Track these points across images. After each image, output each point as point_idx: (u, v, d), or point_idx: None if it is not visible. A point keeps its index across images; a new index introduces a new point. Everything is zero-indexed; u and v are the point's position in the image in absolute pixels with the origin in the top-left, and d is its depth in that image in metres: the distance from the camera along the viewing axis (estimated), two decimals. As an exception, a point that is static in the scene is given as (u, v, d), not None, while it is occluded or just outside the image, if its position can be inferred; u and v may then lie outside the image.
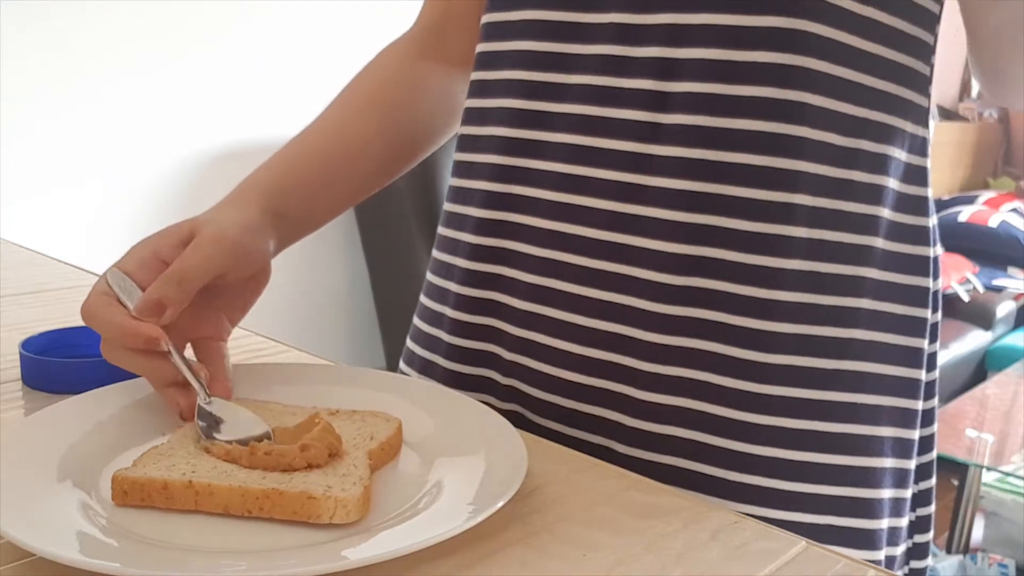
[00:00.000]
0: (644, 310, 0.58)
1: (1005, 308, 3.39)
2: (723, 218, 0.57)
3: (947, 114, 4.29)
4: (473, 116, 0.67)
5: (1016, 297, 3.49)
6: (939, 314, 0.66)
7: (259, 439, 0.51)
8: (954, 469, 2.24)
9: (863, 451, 0.60)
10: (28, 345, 0.63)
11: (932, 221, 0.64)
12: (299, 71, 2.18)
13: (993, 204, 4.05)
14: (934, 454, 0.67)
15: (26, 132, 1.80)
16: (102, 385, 0.56)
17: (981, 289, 3.42)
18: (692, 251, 0.57)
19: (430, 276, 0.72)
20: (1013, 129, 4.62)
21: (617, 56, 0.59)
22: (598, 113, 0.59)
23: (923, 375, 0.64)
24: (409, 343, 0.74)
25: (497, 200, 0.64)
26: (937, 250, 0.65)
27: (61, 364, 0.61)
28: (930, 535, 0.68)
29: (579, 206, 0.60)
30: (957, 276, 3.34)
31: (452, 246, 0.68)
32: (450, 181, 0.70)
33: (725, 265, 0.57)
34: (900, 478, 0.63)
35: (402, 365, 0.75)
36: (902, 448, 0.63)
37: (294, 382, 0.60)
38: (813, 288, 0.58)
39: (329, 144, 0.70)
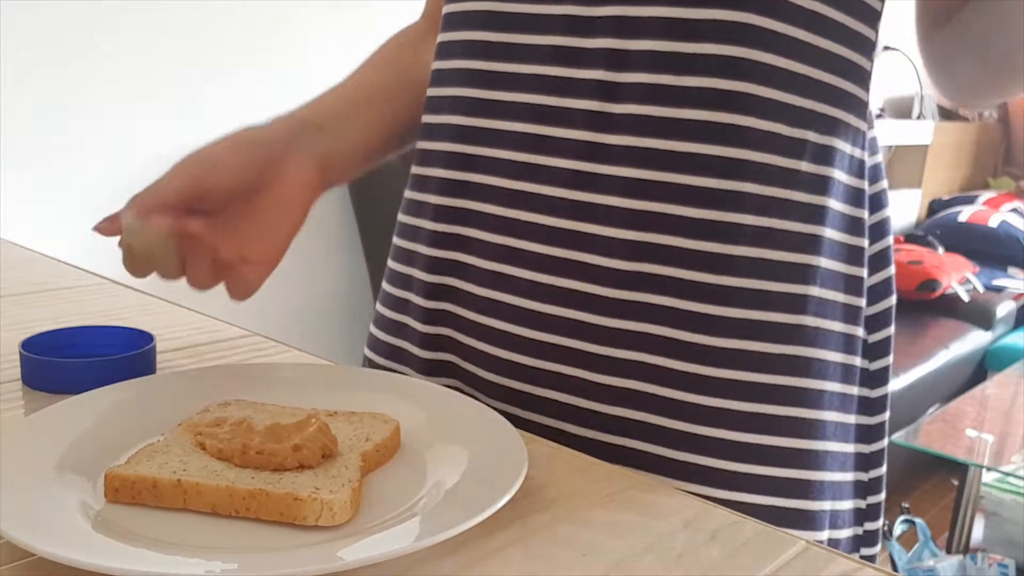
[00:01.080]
0: (597, 295, 0.60)
1: (1005, 308, 3.38)
2: (674, 206, 0.58)
3: (947, 114, 4.28)
4: (431, 105, 0.69)
5: (1016, 297, 3.49)
6: (884, 304, 0.68)
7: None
8: (954, 469, 2.24)
9: (806, 434, 0.62)
10: (28, 345, 0.63)
11: (875, 215, 0.66)
12: (299, 71, 2.17)
13: (993, 204, 4.05)
14: (884, 443, 0.69)
15: (26, 132, 1.80)
16: (102, 385, 0.56)
17: (981, 289, 3.42)
18: (643, 237, 0.59)
19: (392, 264, 0.73)
20: (1013, 129, 4.62)
21: (568, 47, 0.60)
22: (551, 103, 0.61)
23: (858, 361, 0.66)
24: (373, 329, 0.75)
25: (454, 188, 0.65)
26: (888, 241, 0.68)
27: (61, 364, 0.61)
28: (880, 523, 0.70)
29: (533, 193, 0.61)
30: (957, 276, 3.34)
31: (413, 233, 0.69)
32: (412, 169, 0.71)
33: (676, 251, 0.58)
34: (841, 462, 0.65)
35: (366, 351, 0.76)
36: (843, 432, 0.65)
37: (293, 382, 0.60)
38: (763, 275, 0.59)
39: (357, 85, 0.74)
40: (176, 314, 0.80)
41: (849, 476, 0.67)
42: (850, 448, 0.66)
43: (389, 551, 0.40)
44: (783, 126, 0.59)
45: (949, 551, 2.11)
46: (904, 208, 4.04)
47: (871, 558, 0.69)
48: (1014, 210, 3.99)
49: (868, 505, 0.68)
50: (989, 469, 2.07)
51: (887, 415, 0.69)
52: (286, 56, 2.15)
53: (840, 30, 0.60)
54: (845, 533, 0.67)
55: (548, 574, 0.42)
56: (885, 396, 0.68)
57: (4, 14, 1.72)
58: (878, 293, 0.68)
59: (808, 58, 0.59)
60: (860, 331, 0.66)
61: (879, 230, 0.67)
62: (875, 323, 0.67)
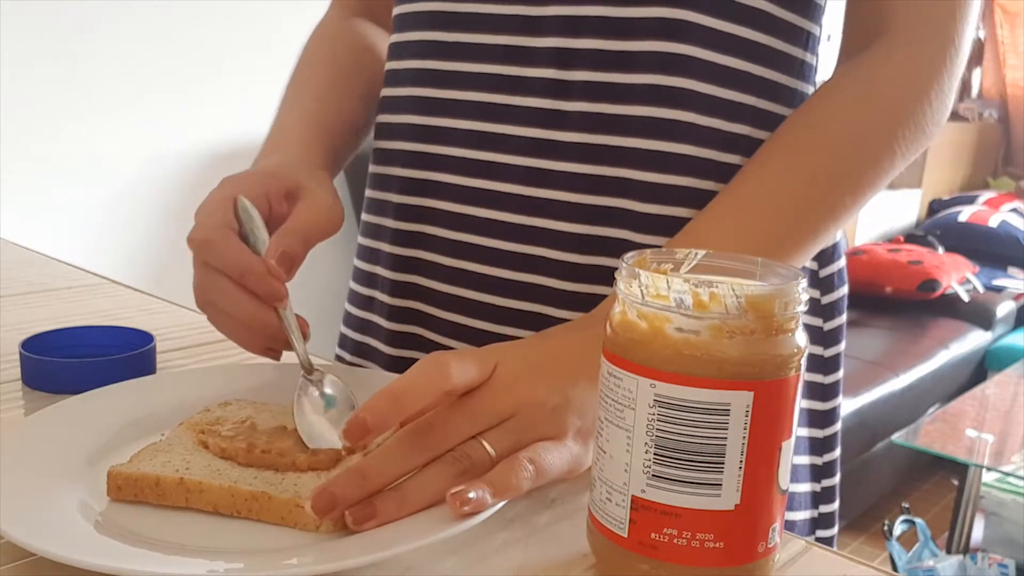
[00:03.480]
0: (554, 288, 0.62)
1: (1005, 308, 3.38)
2: (621, 199, 0.60)
3: (947, 114, 4.28)
4: (387, 105, 0.69)
5: (1016, 297, 3.49)
6: (837, 294, 0.69)
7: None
8: (954, 469, 2.24)
9: None
10: (28, 345, 0.63)
11: None
12: (299, 71, 2.17)
13: (993, 204, 4.05)
14: (838, 427, 0.71)
15: (26, 132, 1.80)
16: (102, 385, 0.56)
17: (981, 289, 3.42)
18: (594, 231, 0.60)
19: (357, 262, 0.73)
20: (1013, 129, 4.62)
21: (520, 46, 0.61)
22: (503, 101, 0.62)
23: (810, 348, 0.67)
24: (342, 328, 0.76)
25: (414, 186, 0.66)
26: (835, 237, 0.69)
27: (61, 364, 0.61)
28: (835, 505, 0.71)
29: (488, 191, 0.63)
30: (957, 276, 3.34)
31: (377, 232, 0.70)
32: (370, 168, 0.72)
33: (626, 244, 0.60)
34: (796, 445, 0.67)
35: (337, 350, 0.77)
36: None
37: (294, 382, 0.60)
38: None
39: (339, 109, 0.70)
40: (176, 314, 0.80)
41: (804, 460, 0.69)
42: (803, 432, 0.68)
43: (389, 551, 0.40)
44: (720, 121, 0.60)
45: (949, 551, 2.11)
46: (904, 208, 4.04)
47: (828, 540, 0.71)
48: (1014, 210, 3.99)
49: (823, 488, 0.70)
50: (989, 469, 2.07)
51: (839, 400, 0.70)
52: (286, 56, 2.15)
53: (780, 25, 0.60)
54: (802, 515, 0.69)
55: (548, 574, 0.42)
56: (837, 382, 0.70)
57: (4, 14, 1.72)
58: (830, 284, 0.69)
59: (745, 54, 0.60)
60: (817, 320, 0.68)
61: None
62: (829, 312, 0.69)
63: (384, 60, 0.74)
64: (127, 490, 0.46)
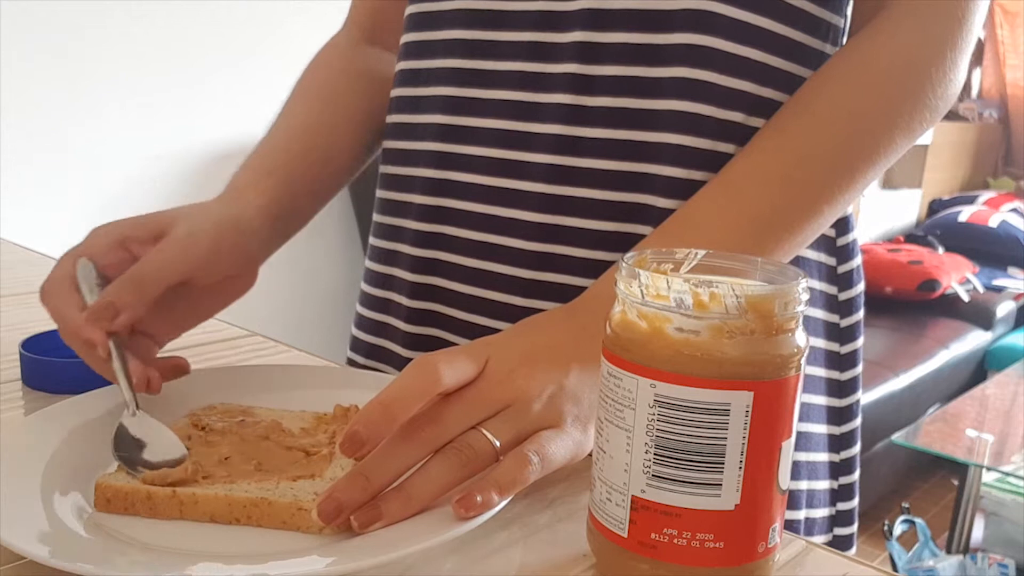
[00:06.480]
0: (577, 286, 0.60)
1: (1005, 308, 3.38)
2: (646, 195, 0.59)
3: (947, 114, 4.27)
4: (405, 105, 0.68)
5: (1016, 297, 3.49)
6: (854, 291, 0.69)
7: (176, 462, 0.47)
8: (954, 469, 2.24)
9: None
10: (28, 345, 0.63)
11: None
12: (299, 71, 2.17)
13: (993, 204, 4.05)
14: (856, 423, 0.70)
15: (26, 132, 1.80)
16: (102, 385, 0.56)
17: (981, 289, 3.42)
18: (619, 228, 0.60)
19: (370, 264, 0.72)
20: (1013, 129, 4.62)
21: (543, 42, 0.61)
22: (527, 98, 0.61)
23: (826, 344, 0.68)
24: (353, 330, 0.75)
25: (437, 187, 0.65)
26: (852, 235, 0.69)
27: (61, 364, 0.61)
28: (854, 502, 0.71)
29: (512, 189, 0.62)
30: (957, 276, 3.34)
31: (394, 233, 0.69)
32: (382, 169, 0.71)
33: None
34: (815, 442, 0.67)
35: (349, 353, 0.76)
36: (815, 413, 0.67)
37: (292, 383, 0.60)
38: None
39: (305, 143, 0.69)
40: (176, 314, 0.80)
41: (823, 456, 0.68)
42: (821, 428, 0.68)
43: (390, 551, 0.40)
44: (742, 115, 0.59)
45: (949, 551, 2.11)
46: (904, 208, 4.04)
47: (847, 538, 0.70)
48: (1014, 210, 3.99)
49: (841, 485, 0.70)
50: (989, 469, 2.07)
51: (858, 396, 0.70)
52: (287, 56, 2.15)
53: (802, 17, 0.60)
54: (821, 513, 0.68)
55: (548, 574, 0.42)
56: (855, 379, 0.70)
57: (4, 14, 1.72)
58: (848, 280, 0.69)
59: (768, 46, 0.59)
60: (835, 317, 0.68)
61: (843, 221, 0.68)
62: (847, 308, 0.69)
63: (384, 86, 0.72)
64: (116, 503, 0.45)
